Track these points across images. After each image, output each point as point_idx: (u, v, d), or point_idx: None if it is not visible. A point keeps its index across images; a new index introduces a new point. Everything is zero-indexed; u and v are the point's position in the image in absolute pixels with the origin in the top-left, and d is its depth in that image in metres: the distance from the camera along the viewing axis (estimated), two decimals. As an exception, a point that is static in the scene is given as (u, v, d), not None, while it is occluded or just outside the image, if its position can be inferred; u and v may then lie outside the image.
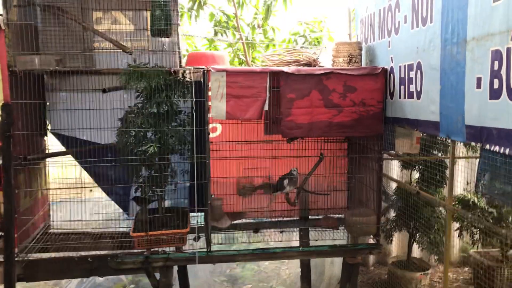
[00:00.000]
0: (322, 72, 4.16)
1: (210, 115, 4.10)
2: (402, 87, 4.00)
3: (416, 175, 6.12)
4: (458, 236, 6.13)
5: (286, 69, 4.15)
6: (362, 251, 4.50)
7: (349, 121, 4.23)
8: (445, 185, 5.90)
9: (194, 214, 4.99)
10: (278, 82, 4.21)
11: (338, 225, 4.70)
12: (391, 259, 6.30)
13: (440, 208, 5.76)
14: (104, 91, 4.21)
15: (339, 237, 4.66)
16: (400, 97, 4.05)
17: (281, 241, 4.48)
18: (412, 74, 3.80)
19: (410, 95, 3.84)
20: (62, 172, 4.78)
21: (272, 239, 4.51)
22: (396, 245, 6.46)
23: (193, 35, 10.08)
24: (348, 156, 4.97)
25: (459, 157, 5.53)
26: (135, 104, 4.21)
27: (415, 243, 5.98)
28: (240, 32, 9.93)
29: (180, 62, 4.41)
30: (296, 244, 4.67)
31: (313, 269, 5.36)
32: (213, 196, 5.07)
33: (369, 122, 4.26)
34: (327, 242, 4.53)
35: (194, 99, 4.10)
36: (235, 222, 4.85)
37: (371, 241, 4.70)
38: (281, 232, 4.55)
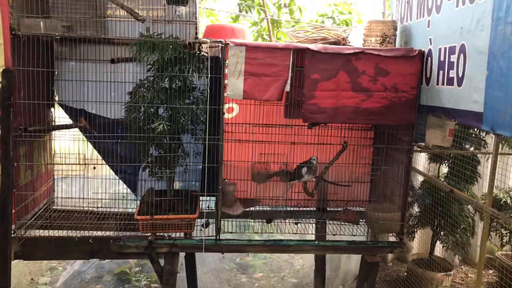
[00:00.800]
0: (351, 51, 3.77)
1: (225, 94, 3.76)
2: (441, 72, 3.58)
3: (444, 169, 5.73)
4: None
5: (312, 46, 3.77)
6: (382, 250, 4.14)
7: (379, 108, 3.84)
8: (476, 182, 5.52)
9: (205, 198, 4.70)
10: (302, 61, 3.84)
11: (359, 220, 4.33)
12: (411, 256, 5.96)
13: (469, 206, 5.38)
14: (112, 61, 3.91)
15: (359, 232, 4.30)
16: (437, 84, 3.64)
17: (295, 233, 4.14)
18: (453, 58, 3.38)
19: (450, 82, 3.43)
20: (69, 146, 4.51)
21: (287, 230, 4.18)
22: (417, 242, 6.08)
23: (216, 10, 9.70)
24: (374, 145, 4.57)
25: (504, 153, 5.11)
26: (146, 78, 3.90)
27: (438, 242, 5.64)
28: (266, 11, 9.55)
29: (196, 34, 4.06)
30: (312, 237, 4.33)
31: (328, 262, 5.03)
32: (225, 180, 4.76)
33: (400, 110, 3.86)
34: (345, 237, 4.18)
35: (209, 75, 3.76)
36: (247, 209, 4.54)
37: (393, 238, 4.35)
38: (296, 223, 4.21)
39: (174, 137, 3.89)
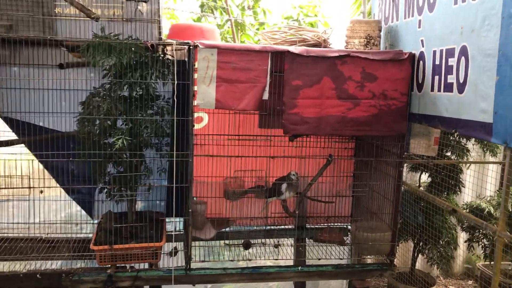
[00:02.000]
0: (336, 54, 3.36)
1: (195, 103, 3.27)
2: (437, 77, 3.22)
3: (424, 177, 5.44)
4: (468, 248, 5.51)
5: (292, 48, 3.33)
6: (372, 273, 3.75)
7: (366, 117, 3.45)
8: (459, 192, 5.25)
9: (173, 218, 4.20)
10: (281, 65, 3.40)
11: (344, 240, 3.92)
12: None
13: (451, 217, 5.11)
14: (61, 66, 3.35)
15: (340, 253, 3.89)
16: (432, 90, 3.28)
17: (276, 259, 3.68)
18: (452, 61, 3.02)
19: (448, 88, 3.07)
20: (11, 165, 3.90)
21: (266, 255, 3.72)
22: (397, 255, 5.76)
23: (177, 10, 9.19)
24: (361, 159, 4.17)
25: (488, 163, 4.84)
26: (102, 85, 3.36)
27: (420, 254, 5.34)
28: (229, 13, 9.13)
29: (160, 34, 3.55)
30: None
31: (308, 283, 4.61)
32: (194, 199, 4.25)
33: (390, 119, 3.48)
34: (330, 260, 3.76)
35: (176, 82, 3.26)
36: (221, 231, 4.05)
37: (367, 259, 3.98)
38: (276, 246, 3.75)
39: (135, 153, 3.36)
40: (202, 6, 9.49)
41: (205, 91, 3.26)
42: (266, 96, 3.35)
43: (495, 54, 2.58)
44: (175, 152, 3.26)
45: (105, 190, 3.42)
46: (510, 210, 4.66)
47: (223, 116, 4.09)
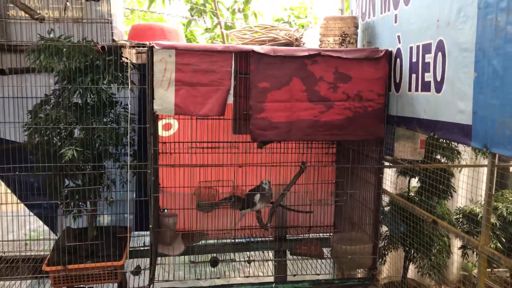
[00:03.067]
0: (306, 53, 3.09)
1: (154, 109, 3.01)
2: (414, 76, 2.96)
3: (414, 183, 5.17)
4: (462, 256, 5.23)
5: (258, 48, 3.08)
6: (353, 288, 3.47)
7: (341, 121, 3.18)
8: (450, 197, 4.97)
9: (143, 233, 3.95)
10: (247, 66, 3.14)
11: (322, 252, 3.65)
12: (382, 280, 5.34)
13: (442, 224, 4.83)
14: (2, 72, 3.09)
15: (322, 268, 3.61)
16: (409, 90, 3.01)
17: (247, 276, 3.40)
18: (429, 57, 2.76)
19: (426, 87, 2.81)
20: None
21: (238, 271, 3.45)
22: (388, 264, 5.48)
23: (166, 14, 8.97)
24: (336, 165, 3.91)
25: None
26: (53, 92, 3.10)
27: (411, 264, 5.06)
28: (219, 16, 8.90)
29: (112, 35, 3.29)
30: (270, 274, 3.62)
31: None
32: (164, 211, 3.99)
33: (366, 122, 3.22)
34: (309, 275, 3.48)
35: (138, 87, 3.01)
36: (191, 245, 3.78)
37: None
38: (249, 262, 3.48)
39: (91, 165, 3.10)
40: (191, 9, 9.27)
41: (163, 96, 2.99)
42: (231, 100, 3.08)
43: (472, 48, 2.32)
44: (136, 163, 2.98)
45: (60, 205, 3.15)
46: (500, 215, 4.41)
47: (194, 122, 3.83)
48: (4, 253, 3.64)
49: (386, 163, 4.14)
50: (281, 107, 3.12)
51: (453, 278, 6.23)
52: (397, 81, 3.18)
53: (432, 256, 4.77)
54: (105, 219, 3.95)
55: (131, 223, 4.00)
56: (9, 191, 3.74)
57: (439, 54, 2.64)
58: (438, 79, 2.66)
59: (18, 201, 3.77)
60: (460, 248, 5.15)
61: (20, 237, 3.80)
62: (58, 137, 2.99)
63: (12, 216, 3.67)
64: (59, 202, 3.08)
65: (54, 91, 3.07)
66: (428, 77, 2.77)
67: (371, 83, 3.19)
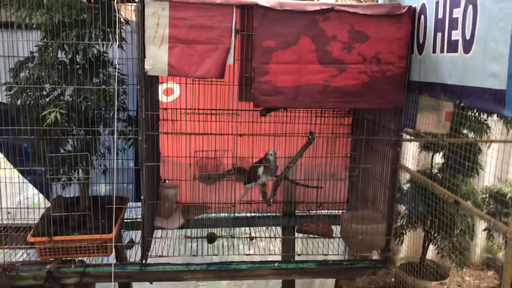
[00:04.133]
0: (317, 8, 2.73)
1: (145, 68, 2.71)
2: (439, 34, 2.57)
3: (438, 159, 4.79)
4: (487, 238, 4.88)
5: (262, 1, 2.73)
6: (362, 272, 3.18)
7: (355, 86, 2.83)
8: (477, 174, 4.58)
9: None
10: (249, 23, 2.81)
11: (332, 231, 3.35)
12: (399, 261, 5.04)
13: (468, 202, 4.46)
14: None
15: (332, 249, 3.32)
16: (434, 51, 2.63)
17: (248, 254, 3.14)
18: (457, 12, 2.37)
19: (452, 47, 2.42)
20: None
21: (241, 248, 3.19)
22: (406, 243, 5.17)
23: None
24: (349, 137, 3.57)
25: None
26: (39, 48, 2.83)
27: (431, 245, 4.74)
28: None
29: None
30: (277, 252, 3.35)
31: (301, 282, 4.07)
32: (165, 181, 3.75)
33: (384, 89, 2.86)
34: (315, 256, 3.20)
35: (121, 43, 2.72)
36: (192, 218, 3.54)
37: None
38: (251, 239, 3.21)
39: (80, 130, 2.86)
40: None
41: (155, 55, 2.69)
42: (230, 60, 2.76)
43: (511, -2, 1.93)
44: (115, 128, 2.72)
45: (44, 172, 2.93)
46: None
47: (198, 87, 3.53)
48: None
49: (407, 136, 3.78)
50: (288, 69, 2.79)
51: (476, 260, 5.88)
52: (421, 41, 2.79)
53: (453, 238, 4.44)
54: (102, 189, 3.73)
55: (131, 193, 3.79)
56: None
57: (470, 7, 2.24)
58: (467, 37, 2.27)
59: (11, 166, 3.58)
60: (484, 230, 4.81)
61: (14, 204, 3.62)
62: (42, 99, 2.73)
63: (6, 182, 3.48)
64: (42, 169, 2.85)
65: (40, 48, 2.80)
66: (456, 35, 2.39)
67: (391, 43, 2.81)
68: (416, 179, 3.97)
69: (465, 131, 4.48)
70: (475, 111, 4.39)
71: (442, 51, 2.54)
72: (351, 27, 2.78)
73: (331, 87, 2.82)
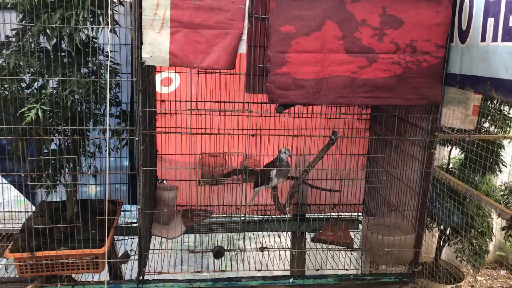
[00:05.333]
0: (345, -12, 2.33)
1: (142, 57, 2.29)
2: (490, 20, 2.18)
3: (455, 152, 4.46)
4: (505, 238, 4.57)
5: (281, -21, 2.31)
6: (387, 287, 2.83)
7: (387, 79, 2.44)
8: (499, 171, 4.26)
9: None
10: (265, 5, 2.40)
11: (352, 241, 2.99)
12: (412, 261, 4.72)
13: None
14: None
15: (349, 260, 2.96)
16: (483, 40, 2.24)
17: (259, 270, 2.77)
18: (518, -6, 1.98)
19: (511, 35, 2.04)
20: None
21: (250, 261, 2.82)
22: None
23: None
24: (378, 137, 3.20)
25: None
26: (16, 32, 2.40)
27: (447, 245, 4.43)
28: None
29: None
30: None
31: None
32: (163, 182, 3.36)
33: (420, 82, 2.47)
34: (335, 269, 2.84)
35: (113, 27, 2.29)
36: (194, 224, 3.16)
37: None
38: (261, 251, 2.84)
39: (66, 129, 2.44)
40: None
41: (154, 41, 2.27)
42: (243, 48, 2.35)
43: None
44: (108, 127, 2.31)
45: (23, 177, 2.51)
46: None
47: (200, 76, 3.12)
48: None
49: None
50: (310, 59, 2.39)
51: (489, 258, 5.62)
52: (464, 28, 2.39)
53: (473, 239, 4.13)
54: (92, 190, 3.34)
55: (125, 195, 3.40)
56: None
57: (538, -13, 1.85)
58: (534, 23, 1.89)
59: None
60: (503, 229, 4.50)
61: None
62: (21, 92, 2.31)
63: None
64: (22, 174, 2.44)
65: (17, 32, 2.36)
66: (515, 21, 2.00)
67: (429, 30, 2.42)
68: (440, 178, 3.62)
69: (486, 125, 4.15)
70: (497, 103, 4.06)
71: (495, 39, 2.15)
72: (383, 11, 2.38)
73: (359, 79, 2.43)
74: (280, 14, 2.34)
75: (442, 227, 4.24)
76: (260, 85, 2.77)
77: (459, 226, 4.01)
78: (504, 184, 4.44)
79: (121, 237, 3.21)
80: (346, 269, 2.75)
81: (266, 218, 3.41)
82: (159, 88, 3.27)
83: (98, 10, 2.28)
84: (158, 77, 3.24)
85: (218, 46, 2.32)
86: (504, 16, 2.09)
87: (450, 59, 2.52)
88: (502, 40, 2.10)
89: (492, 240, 4.38)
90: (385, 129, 3.21)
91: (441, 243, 4.47)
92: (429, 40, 2.44)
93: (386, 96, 2.47)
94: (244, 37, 2.33)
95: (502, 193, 4.41)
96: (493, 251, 5.66)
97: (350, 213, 3.60)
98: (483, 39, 2.25)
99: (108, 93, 2.29)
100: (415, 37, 2.43)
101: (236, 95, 3.21)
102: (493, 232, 4.31)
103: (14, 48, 2.34)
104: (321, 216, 3.51)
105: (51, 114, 2.35)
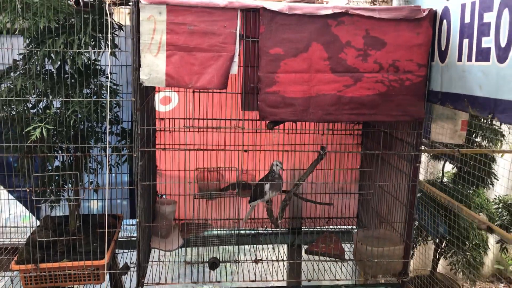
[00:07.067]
0: (330, 12, 2.48)
1: (141, 79, 2.45)
2: (466, 41, 2.33)
3: (448, 167, 4.56)
4: (501, 250, 4.66)
5: (269, 4, 2.47)
6: (378, 296, 2.93)
7: (371, 97, 2.58)
8: (491, 185, 4.36)
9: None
10: (255, 28, 2.55)
11: (343, 252, 3.10)
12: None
13: (481, 214, 4.23)
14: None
15: (341, 271, 3.07)
16: (459, 60, 2.39)
17: (253, 280, 2.88)
18: (489, 17, 2.12)
19: (483, 56, 2.18)
20: None
21: (245, 271, 2.93)
22: (415, 256, 4.93)
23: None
24: (363, 152, 3.33)
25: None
26: (23, 56, 2.57)
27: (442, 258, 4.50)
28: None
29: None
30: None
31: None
32: (162, 197, 3.49)
33: (403, 99, 2.61)
34: (328, 279, 2.95)
35: (114, 50, 2.45)
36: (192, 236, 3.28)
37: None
38: (256, 262, 2.95)
39: (69, 146, 2.59)
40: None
41: (151, 63, 2.43)
42: (235, 69, 2.50)
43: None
44: (107, 144, 2.45)
45: (29, 193, 2.66)
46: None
47: (197, 96, 3.27)
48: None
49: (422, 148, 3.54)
50: (298, 79, 2.54)
51: (486, 272, 5.67)
52: (443, 48, 2.54)
53: (467, 252, 4.22)
54: (94, 205, 3.47)
55: (125, 209, 3.54)
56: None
57: (505, 11, 2.00)
58: (503, 44, 2.03)
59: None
60: (498, 242, 4.59)
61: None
62: (27, 112, 2.47)
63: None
64: (27, 190, 2.58)
65: (24, 56, 2.53)
66: (487, 42, 2.14)
67: (410, 50, 2.56)
68: (426, 191, 3.73)
69: (478, 139, 4.26)
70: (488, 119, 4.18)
71: (469, 59, 2.29)
72: (367, 33, 2.54)
73: (345, 97, 2.57)
74: (269, 37, 2.50)
75: (437, 240, 4.33)
76: (252, 103, 2.92)
77: (448, 238, 4.10)
78: (498, 197, 4.54)
79: (121, 251, 3.33)
80: (337, 279, 2.85)
81: (260, 231, 3.52)
82: (158, 106, 3.43)
83: (99, 35, 2.45)
84: (158, 96, 3.40)
85: (211, 67, 2.48)
86: (477, 37, 2.24)
87: (432, 77, 2.67)
88: (476, 60, 2.25)
89: (486, 253, 4.46)
90: (376, 144, 3.34)
91: (437, 256, 4.56)
92: (411, 60, 2.58)
93: (371, 113, 2.61)
94: (236, 59, 2.49)
95: (496, 206, 4.50)
96: (491, 264, 5.72)
97: (345, 226, 3.71)
98: (459, 58, 2.39)
99: (108, 112, 2.44)
100: (398, 57, 2.57)
101: (229, 112, 3.35)
102: (487, 245, 4.39)
103: (21, 71, 2.50)
104: (316, 229, 3.62)
105: (55, 133, 2.50)
